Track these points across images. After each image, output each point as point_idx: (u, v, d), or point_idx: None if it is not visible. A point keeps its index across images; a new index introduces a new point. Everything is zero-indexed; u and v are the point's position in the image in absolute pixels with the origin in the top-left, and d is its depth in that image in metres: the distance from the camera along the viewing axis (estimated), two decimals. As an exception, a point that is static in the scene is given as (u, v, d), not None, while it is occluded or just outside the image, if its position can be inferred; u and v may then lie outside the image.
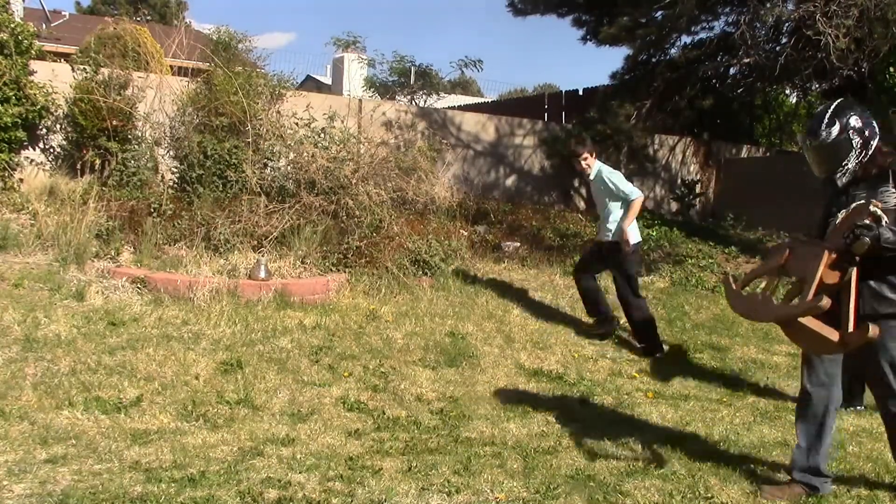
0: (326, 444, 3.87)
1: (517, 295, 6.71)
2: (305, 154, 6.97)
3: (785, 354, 6.27)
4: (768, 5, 8.75)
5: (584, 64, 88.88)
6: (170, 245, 6.25)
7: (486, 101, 19.20)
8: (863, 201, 3.15)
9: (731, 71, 10.78)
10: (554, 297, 6.82)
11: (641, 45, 10.67)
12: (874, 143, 3.23)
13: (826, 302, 2.98)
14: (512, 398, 4.77)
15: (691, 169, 11.93)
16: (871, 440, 4.32)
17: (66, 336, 4.72)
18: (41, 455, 3.45)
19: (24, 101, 6.75)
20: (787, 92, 12.61)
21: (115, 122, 6.97)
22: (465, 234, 7.90)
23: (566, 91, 14.04)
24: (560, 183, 10.89)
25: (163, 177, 7.16)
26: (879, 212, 3.08)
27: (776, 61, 8.92)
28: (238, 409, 4.23)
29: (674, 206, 11.53)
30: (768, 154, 12.83)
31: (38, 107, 6.88)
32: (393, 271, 6.39)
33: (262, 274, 5.84)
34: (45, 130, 7.25)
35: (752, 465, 3.81)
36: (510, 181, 10.53)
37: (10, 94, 6.61)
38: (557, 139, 10.78)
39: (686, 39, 10.89)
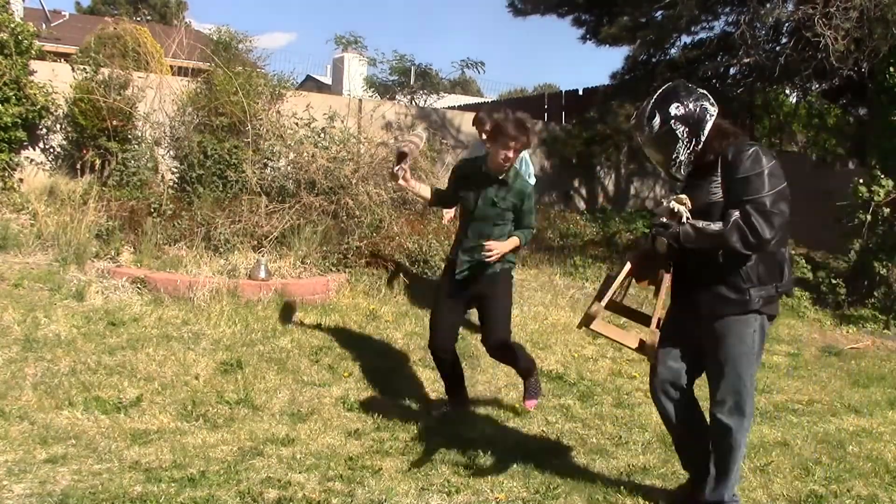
0: (326, 444, 3.86)
1: (517, 295, 6.69)
2: (305, 154, 6.97)
3: (785, 354, 6.27)
4: (768, 6, 8.75)
5: (584, 64, 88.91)
6: (170, 245, 6.25)
7: (486, 100, 19.19)
8: (671, 197, 2.94)
9: (731, 71, 10.79)
10: (554, 297, 6.82)
11: (641, 45, 10.68)
12: (707, 127, 2.90)
13: (595, 309, 2.98)
14: (512, 398, 4.77)
15: (691, 169, 11.90)
16: (871, 440, 4.33)
17: (66, 336, 4.72)
18: (41, 455, 3.45)
19: (24, 101, 6.75)
20: (787, 92, 12.62)
21: (115, 122, 6.97)
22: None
23: (566, 91, 14.07)
24: (560, 183, 10.90)
25: (163, 177, 7.15)
26: (680, 208, 2.88)
27: (776, 61, 8.92)
28: (238, 409, 4.23)
29: (674, 206, 11.51)
30: (768, 154, 12.82)
31: (38, 107, 6.88)
32: (393, 271, 6.40)
33: (262, 274, 5.84)
34: (45, 130, 7.25)
35: (751, 465, 3.81)
36: (510, 181, 10.50)
37: (10, 94, 6.61)
38: (557, 139, 10.78)
39: (686, 39, 10.92)
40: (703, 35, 10.88)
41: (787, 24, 9.22)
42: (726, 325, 2.93)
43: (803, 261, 8.50)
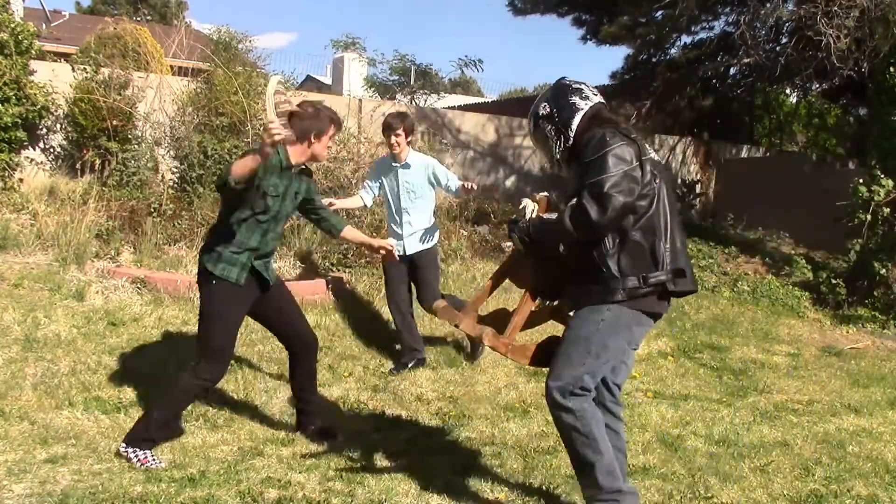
0: (327, 443, 3.86)
1: (517, 295, 6.70)
2: (305, 154, 6.97)
3: (785, 354, 6.27)
4: (768, 5, 8.75)
5: (584, 64, 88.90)
6: (170, 245, 6.25)
7: (487, 100, 19.19)
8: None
9: (731, 71, 10.78)
10: (554, 297, 6.82)
11: (641, 45, 10.67)
12: (574, 123, 2.86)
13: (439, 304, 3.15)
14: (512, 398, 4.77)
15: (691, 169, 11.93)
16: (871, 440, 4.32)
17: (66, 336, 4.72)
18: (41, 455, 3.45)
19: (24, 101, 6.74)
20: (787, 92, 12.60)
21: (115, 122, 6.97)
22: (466, 234, 7.90)
23: (566, 91, 14.03)
24: (560, 183, 10.88)
25: (163, 177, 7.16)
26: (527, 202, 2.92)
27: (776, 61, 8.91)
28: (238, 409, 4.23)
29: (674, 206, 11.52)
30: (768, 154, 12.83)
31: (38, 107, 6.87)
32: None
33: (262, 274, 5.83)
34: (45, 130, 7.25)
35: (751, 465, 3.81)
36: (510, 182, 10.52)
37: (10, 94, 6.61)
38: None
39: (686, 39, 10.91)
40: (703, 35, 10.88)
41: (787, 24, 9.22)
42: (580, 312, 2.85)
43: (803, 261, 8.51)
